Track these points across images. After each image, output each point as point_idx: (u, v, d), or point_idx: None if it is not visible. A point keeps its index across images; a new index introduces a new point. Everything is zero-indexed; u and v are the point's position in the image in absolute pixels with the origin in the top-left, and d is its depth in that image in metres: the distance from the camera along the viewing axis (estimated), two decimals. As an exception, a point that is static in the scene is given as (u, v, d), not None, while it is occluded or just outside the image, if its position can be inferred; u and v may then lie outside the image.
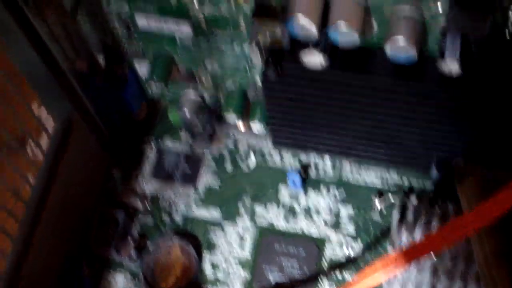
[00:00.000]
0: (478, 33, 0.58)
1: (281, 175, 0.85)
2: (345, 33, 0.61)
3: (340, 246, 0.81)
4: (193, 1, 0.68)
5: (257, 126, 0.83)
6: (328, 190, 0.84)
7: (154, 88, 0.78)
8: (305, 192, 0.84)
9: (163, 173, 0.87)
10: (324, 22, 0.61)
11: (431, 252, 0.69)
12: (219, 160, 0.87)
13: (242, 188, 0.85)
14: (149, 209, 0.85)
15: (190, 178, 0.86)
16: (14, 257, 0.71)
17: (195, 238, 0.84)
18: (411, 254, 0.60)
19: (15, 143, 0.68)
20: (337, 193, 0.84)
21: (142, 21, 0.72)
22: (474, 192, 0.69)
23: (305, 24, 0.61)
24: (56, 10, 0.66)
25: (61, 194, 0.77)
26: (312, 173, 0.85)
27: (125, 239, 0.83)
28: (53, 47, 0.71)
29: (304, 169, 0.85)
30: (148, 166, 0.88)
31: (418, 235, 0.75)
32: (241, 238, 0.83)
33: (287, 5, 0.62)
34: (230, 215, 0.84)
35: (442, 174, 0.79)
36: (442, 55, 0.61)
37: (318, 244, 0.81)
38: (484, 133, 0.71)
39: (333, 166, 0.85)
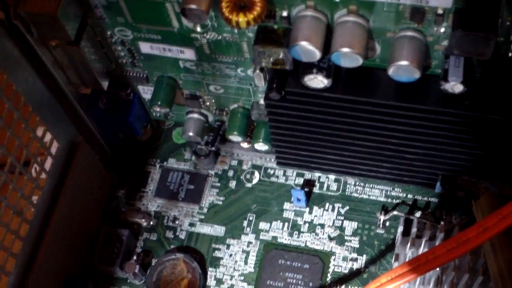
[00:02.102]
0: (482, 54, 0.58)
1: (285, 192, 0.86)
2: (348, 56, 0.61)
3: (344, 260, 0.82)
4: (196, 27, 0.68)
5: (261, 146, 0.83)
6: (333, 206, 0.84)
7: (158, 111, 0.79)
8: (310, 208, 0.85)
9: (167, 192, 0.87)
10: (327, 47, 0.62)
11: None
12: (223, 179, 0.88)
13: (246, 205, 0.86)
14: (153, 226, 0.85)
15: (195, 196, 0.87)
16: (17, 275, 0.71)
17: (200, 254, 0.84)
18: (415, 268, 0.61)
19: (19, 165, 0.69)
20: (341, 208, 0.84)
21: (146, 48, 0.73)
22: (490, 207, 0.69)
23: (308, 50, 0.61)
24: (60, 38, 0.66)
25: (65, 214, 0.77)
26: (316, 189, 0.86)
27: (130, 256, 0.83)
28: (57, 74, 0.72)
29: (308, 185, 0.86)
30: (152, 186, 0.88)
31: (422, 248, 0.76)
32: (246, 254, 0.83)
33: (289, 28, 0.62)
34: (235, 231, 0.85)
35: (447, 190, 0.79)
36: (445, 77, 0.62)
37: (323, 258, 0.82)
38: (488, 149, 0.71)
39: (338, 183, 0.86)
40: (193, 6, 0.60)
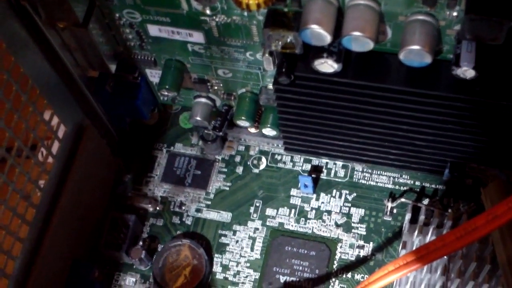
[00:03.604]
0: (494, 39, 0.58)
1: (292, 178, 0.85)
2: (359, 40, 0.60)
3: (351, 247, 0.81)
4: (205, 10, 0.67)
5: (268, 132, 0.83)
6: (340, 192, 0.84)
7: (166, 95, 0.78)
8: (317, 194, 0.84)
9: (174, 177, 0.87)
10: (337, 30, 0.61)
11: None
12: (230, 164, 0.87)
13: (253, 191, 0.86)
14: (159, 211, 0.85)
15: (201, 182, 0.86)
16: (24, 259, 0.71)
17: (206, 240, 0.84)
18: (423, 256, 0.61)
19: (26, 149, 0.68)
20: (348, 195, 0.84)
21: (154, 30, 0.72)
22: (499, 195, 0.69)
23: (319, 33, 0.60)
24: (69, 20, 0.66)
25: (72, 199, 0.77)
26: (324, 175, 0.85)
27: (136, 242, 0.83)
28: (65, 56, 0.71)
29: (316, 172, 0.85)
30: (159, 171, 0.88)
31: (430, 236, 0.75)
32: (252, 240, 0.83)
33: (300, 12, 0.62)
34: (241, 217, 0.84)
35: (456, 177, 0.79)
36: (457, 62, 0.61)
37: (329, 245, 0.82)
38: (498, 136, 0.71)
39: (345, 170, 0.85)
40: (203, -12, 0.60)
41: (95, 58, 0.73)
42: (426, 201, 0.81)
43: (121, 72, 0.79)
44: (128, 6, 0.69)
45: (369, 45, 0.61)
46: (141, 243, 0.83)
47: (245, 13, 0.67)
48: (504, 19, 0.56)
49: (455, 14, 0.60)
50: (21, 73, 0.66)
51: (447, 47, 0.64)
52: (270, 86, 0.77)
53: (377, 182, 0.84)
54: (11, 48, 0.64)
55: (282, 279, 0.81)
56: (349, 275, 0.81)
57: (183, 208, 0.86)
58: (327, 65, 0.65)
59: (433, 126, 0.71)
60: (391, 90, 0.67)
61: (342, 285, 0.80)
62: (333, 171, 0.85)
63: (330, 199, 0.84)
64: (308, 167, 0.86)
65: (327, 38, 0.61)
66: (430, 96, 0.66)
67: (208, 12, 0.68)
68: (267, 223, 0.84)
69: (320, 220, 0.83)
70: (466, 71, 0.62)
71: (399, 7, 0.60)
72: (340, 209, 0.83)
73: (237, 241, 0.83)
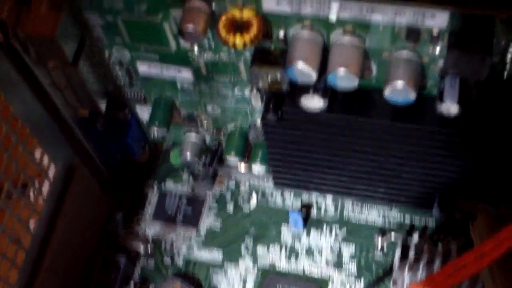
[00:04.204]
0: (477, 75, 0.59)
1: (283, 215, 0.85)
2: (344, 77, 0.61)
3: (342, 286, 0.81)
4: (193, 47, 0.68)
5: (258, 168, 0.83)
6: (330, 229, 0.84)
7: (156, 132, 0.79)
8: (307, 231, 0.84)
9: (164, 215, 0.87)
10: (323, 67, 0.62)
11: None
12: (220, 201, 0.87)
13: (244, 229, 0.85)
14: (150, 252, 0.85)
15: (192, 220, 0.86)
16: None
17: (197, 281, 0.83)
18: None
19: (16, 189, 0.68)
20: (339, 232, 0.84)
21: (143, 68, 0.73)
22: (488, 229, 0.69)
23: (305, 70, 0.61)
24: (58, 59, 0.67)
25: (62, 239, 0.77)
26: (314, 212, 0.85)
27: (127, 282, 0.83)
28: (55, 95, 0.72)
29: (306, 208, 0.86)
30: (150, 209, 0.88)
31: (420, 273, 0.75)
32: (243, 280, 0.83)
33: (286, 49, 0.63)
34: (232, 256, 0.84)
35: (445, 212, 0.79)
36: (441, 97, 0.62)
37: (321, 284, 0.81)
38: (485, 170, 0.71)
39: (335, 205, 0.85)
40: (190, 27, 0.61)
41: (85, 96, 0.74)
42: (416, 237, 0.81)
43: (111, 110, 0.80)
44: (117, 44, 0.71)
45: (355, 82, 0.62)
46: (132, 284, 0.83)
47: (232, 51, 0.68)
48: (486, 54, 0.57)
49: (438, 50, 0.61)
50: (11, 113, 0.67)
51: (431, 83, 0.65)
52: (259, 123, 0.77)
53: (367, 219, 0.84)
54: (1, 88, 0.65)
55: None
56: (341, 312, 0.80)
57: (174, 246, 0.85)
58: (314, 102, 0.66)
59: (420, 160, 0.71)
60: (377, 124, 0.68)
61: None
62: (323, 207, 0.85)
63: (320, 235, 0.84)
64: (298, 203, 0.86)
65: (313, 75, 0.62)
66: (415, 131, 0.67)
67: (196, 49, 0.69)
68: (258, 261, 0.83)
69: (311, 257, 0.83)
70: (450, 106, 0.62)
71: (384, 44, 0.61)
72: (331, 245, 0.83)
73: (228, 280, 0.83)
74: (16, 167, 0.68)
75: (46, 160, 0.74)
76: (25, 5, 0.64)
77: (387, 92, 0.62)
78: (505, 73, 0.62)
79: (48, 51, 0.66)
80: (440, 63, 0.62)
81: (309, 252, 0.83)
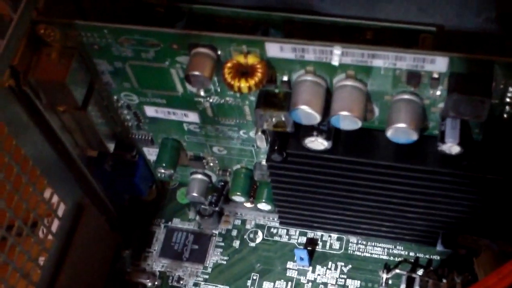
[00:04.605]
0: (477, 117, 0.60)
1: (288, 251, 0.86)
2: (347, 119, 0.62)
3: (348, 320, 0.82)
4: (199, 92, 0.70)
5: (264, 206, 0.84)
6: (335, 264, 0.85)
7: (163, 173, 0.80)
8: (312, 267, 0.85)
9: (172, 252, 0.88)
10: (326, 109, 0.63)
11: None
12: (227, 238, 0.89)
13: (250, 265, 0.86)
14: (158, 287, 0.86)
15: (199, 256, 0.88)
16: None
17: (204, 316, 0.85)
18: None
19: (26, 228, 0.70)
20: (344, 267, 0.85)
21: (151, 111, 0.75)
22: (491, 264, 0.70)
23: (309, 113, 0.62)
24: (68, 104, 0.68)
25: (71, 276, 0.78)
26: (319, 248, 0.86)
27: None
28: (64, 137, 0.73)
29: (311, 244, 0.87)
30: (157, 246, 0.89)
31: (425, 307, 0.76)
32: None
33: (290, 92, 0.64)
34: (239, 291, 0.85)
35: (449, 248, 0.80)
36: (442, 138, 0.63)
37: (326, 319, 0.82)
38: (487, 208, 0.72)
39: (340, 241, 0.86)
40: (197, 73, 0.62)
41: (94, 138, 0.75)
42: (420, 272, 0.81)
43: (119, 151, 0.81)
44: (125, 89, 0.72)
45: (357, 124, 0.63)
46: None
47: (238, 95, 0.69)
48: (485, 97, 0.58)
49: (438, 93, 0.62)
50: (22, 154, 0.68)
51: (433, 124, 0.66)
52: (264, 163, 0.78)
53: (372, 254, 0.85)
54: (13, 131, 0.66)
55: None
56: None
57: (181, 282, 0.86)
58: (318, 143, 0.67)
59: (423, 199, 0.72)
60: (380, 165, 0.69)
61: None
62: (328, 244, 0.86)
63: (326, 271, 0.85)
64: (303, 239, 0.87)
65: (317, 117, 0.63)
66: (418, 171, 0.68)
67: (202, 94, 0.70)
68: (265, 297, 0.85)
69: (317, 294, 0.84)
70: (452, 147, 0.64)
71: (385, 87, 0.63)
72: (336, 281, 0.84)
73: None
74: (26, 206, 0.69)
75: (55, 199, 0.76)
76: (36, 52, 0.66)
77: (389, 134, 0.63)
78: (505, 115, 0.63)
79: (58, 96, 0.67)
80: (441, 105, 0.63)
81: (315, 287, 0.84)
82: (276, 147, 0.70)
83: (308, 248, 0.86)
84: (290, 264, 0.86)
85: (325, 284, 0.84)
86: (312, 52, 0.61)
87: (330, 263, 0.85)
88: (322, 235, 0.87)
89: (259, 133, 0.72)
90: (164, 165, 0.79)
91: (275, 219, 0.87)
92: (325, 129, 0.67)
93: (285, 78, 0.64)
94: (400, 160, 0.68)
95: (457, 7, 0.64)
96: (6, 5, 0.64)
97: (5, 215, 0.66)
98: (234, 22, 0.68)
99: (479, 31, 0.65)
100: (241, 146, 0.78)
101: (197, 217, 0.89)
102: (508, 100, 0.61)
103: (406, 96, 0.62)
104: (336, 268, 0.85)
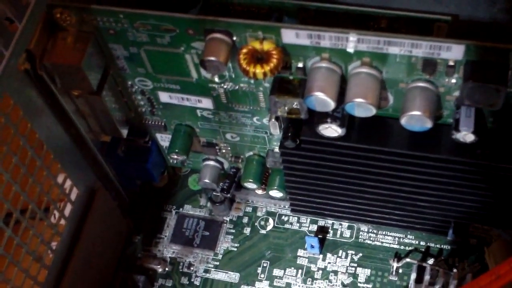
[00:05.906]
0: (492, 105, 0.60)
1: (299, 239, 0.87)
2: (361, 106, 0.62)
3: (358, 308, 0.82)
4: (214, 77, 0.70)
5: (275, 193, 0.84)
6: (346, 253, 0.85)
7: (175, 159, 0.80)
8: (323, 255, 0.85)
9: (183, 238, 0.88)
10: (341, 96, 0.63)
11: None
12: (238, 225, 0.89)
13: (261, 252, 0.87)
14: (168, 273, 0.86)
15: (210, 243, 0.88)
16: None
17: (214, 302, 0.85)
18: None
19: (40, 211, 0.70)
20: (354, 255, 0.85)
21: (165, 97, 0.75)
22: (502, 254, 0.70)
23: (323, 100, 0.62)
24: (83, 88, 0.69)
25: (83, 260, 0.78)
26: (330, 236, 0.86)
27: (146, 302, 0.84)
28: (78, 122, 0.74)
29: (322, 232, 0.87)
30: (168, 232, 0.89)
31: (435, 296, 0.76)
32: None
33: (304, 79, 0.64)
34: (249, 278, 0.85)
35: (460, 237, 0.80)
36: (456, 127, 0.63)
37: (336, 307, 0.83)
38: (500, 197, 0.72)
39: (351, 229, 0.86)
40: (212, 58, 0.62)
41: (108, 123, 0.75)
42: (431, 261, 0.82)
43: (132, 136, 0.81)
44: (140, 75, 0.72)
45: (372, 111, 0.63)
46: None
47: (252, 81, 0.70)
48: (501, 85, 0.58)
49: (453, 81, 0.62)
50: (37, 138, 0.68)
51: (447, 112, 0.66)
52: (277, 150, 0.79)
53: (382, 242, 0.85)
54: (28, 115, 0.66)
55: None
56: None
57: (192, 268, 0.87)
58: (331, 130, 0.67)
59: (436, 188, 0.72)
60: (394, 153, 0.69)
61: None
62: (339, 232, 0.87)
63: (336, 259, 0.85)
64: (314, 227, 0.87)
65: (331, 104, 0.63)
66: (431, 159, 0.68)
67: (216, 80, 0.70)
68: (275, 284, 0.84)
69: (327, 281, 0.84)
70: (466, 135, 0.64)
71: (400, 75, 0.63)
72: (346, 269, 0.84)
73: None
74: (40, 190, 0.70)
75: (68, 183, 0.76)
76: (52, 36, 0.66)
77: (404, 121, 0.63)
78: (520, 103, 0.63)
79: (73, 80, 0.68)
80: (456, 93, 0.63)
81: (325, 274, 0.84)
82: (289, 134, 0.70)
83: (319, 236, 0.86)
84: (300, 252, 0.86)
85: (335, 272, 0.84)
86: (327, 38, 0.61)
87: (340, 251, 0.85)
88: (333, 223, 0.87)
89: (273, 119, 0.72)
90: (176, 150, 0.79)
91: (286, 206, 0.88)
92: (339, 116, 0.67)
93: (300, 65, 0.64)
94: (413, 148, 0.68)
95: (472, -3, 0.64)
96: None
97: (19, 198, 0.67)
98: (248, 9, 0.68)
99: (493, 21, 0.65)
100: (254, 133, 0.78)
101: (209, 204, 0.89)
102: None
103: (421, 84, 0.63)
104: (346, 256, 0.85)
